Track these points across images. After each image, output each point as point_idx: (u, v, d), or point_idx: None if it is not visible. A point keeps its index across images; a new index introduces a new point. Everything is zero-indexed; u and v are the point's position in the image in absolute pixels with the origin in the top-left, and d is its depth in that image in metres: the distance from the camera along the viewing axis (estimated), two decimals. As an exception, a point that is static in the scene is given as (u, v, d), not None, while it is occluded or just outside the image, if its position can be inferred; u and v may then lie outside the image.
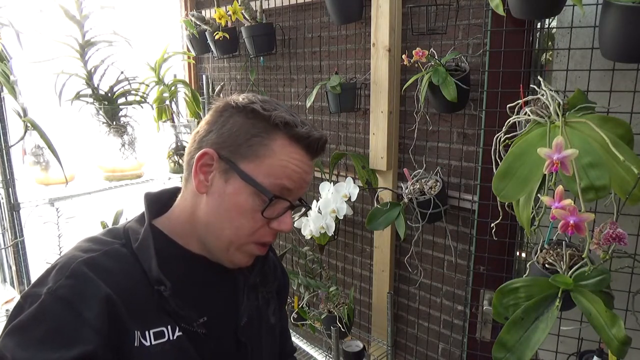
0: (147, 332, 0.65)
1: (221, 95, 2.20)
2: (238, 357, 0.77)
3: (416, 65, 1.38)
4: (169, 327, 0.68)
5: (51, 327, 0.59)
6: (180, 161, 2.14)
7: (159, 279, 0.67)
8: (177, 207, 0.76)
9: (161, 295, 0.67)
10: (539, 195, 0.92)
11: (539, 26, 1.29)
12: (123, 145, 1.93)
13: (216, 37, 1.94)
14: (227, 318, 0.76)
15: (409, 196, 1.48)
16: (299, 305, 1.83)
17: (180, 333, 0.68)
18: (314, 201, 1.73)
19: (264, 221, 0.71)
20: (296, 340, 2.03)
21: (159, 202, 0.77)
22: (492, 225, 1.15)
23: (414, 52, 1.34)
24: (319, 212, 1.68)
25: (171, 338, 0.67)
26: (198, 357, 0.70)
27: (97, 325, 0.60)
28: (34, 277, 1.68)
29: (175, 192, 0.80)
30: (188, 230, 0.73)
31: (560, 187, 0.80)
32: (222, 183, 0.70)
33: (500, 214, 1.16)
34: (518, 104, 1.10)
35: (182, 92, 2.23)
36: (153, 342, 0.66)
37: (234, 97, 0.73)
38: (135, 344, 0.64)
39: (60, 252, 1.77)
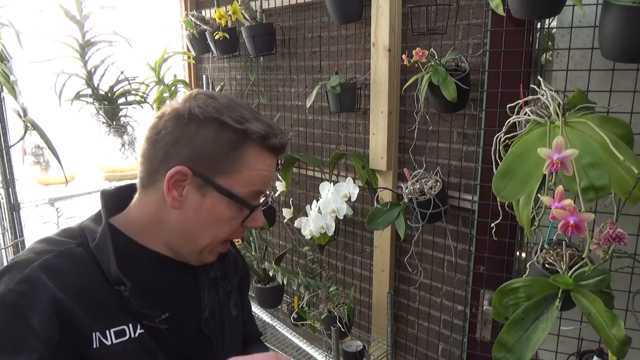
0: (107, 332, 0.65)
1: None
2: (201, 350, 0.78)
3: (416, 65, 1.38)
4: (130, 325, 0.68)
5: None
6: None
7: (118, 279, 0.67)
8: (135, 210, 0.75)
9: (121, 295, 0.67)
10: (539, 195, 0.92)
11: (539, 26, 1.29)
12: (123, 145, 1.93)
13: (216, 37, 1.94)
14: (189, 313, 0.77)
15: (409, 196, 1.48)
16: (299, 305, 1.83)
17: (142, 330, 0.69)
18: (314, 201, 1.73)
19: (239, 224, 0.73)
20: (296, 340, 2.03)
21: (116, 200, 0.77)
22: (492, 225, 1.15)
23: (414, 52, 1.34)
24: (319, 212, 1.68)
25: (133, 336, 0.68)
26: (160, 353, 0.70)
27: (44, 334, 0.59)
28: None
29: (131, 189, 0.78)
30: (149, 232, 0.73)
31: (560, 187, 0.80)
32: (199, 197, 0.70)
33: (500, 214, 1.16)
34: (518, 104, 1.10)
35: (182, 92, 2.24)
36: (114, 341, 0.66)
37: (190, 102, 0.70)
38: (95, 346, 0.64)
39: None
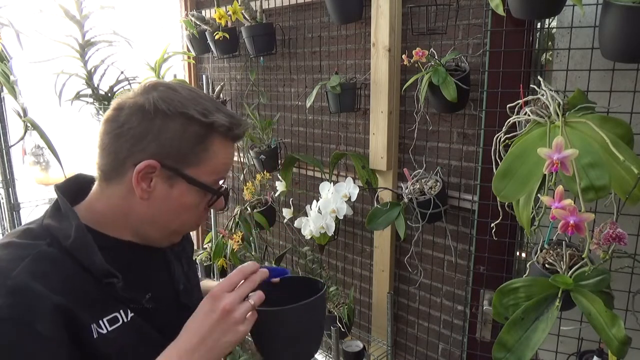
0: (101, 322, 0.68)
1: (221, 94, 2.19)
2: (183, 319, 0.81)
3: (416, 65, 1.38)
4: (121, 311, 0.71)
5: (7, 352, 0.58)
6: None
7: (108, 273, 0.68)
8: (98, 201, 0.75)
9: (107, 286, 0.69)
10: (539, 195, 0.92)
11: (539, 26, 1.29)
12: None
13: (216, 37, 1.94)
14: (167, 289, 0.82)
15: (409, 196, 1.48)
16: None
17: (132, 314, 0.72)
18: (314, 201, 1.73)
19: (204, 208, 0.78)
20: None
21: (71, 193, 0.77)
22: (492, 225, 1.15)
23: (414, 52, 1.34)
24: (319, 212, 1.68)
25: (125, 320, 0.71)
26: (153, 330, 0.74)
27: (54, 335, 0.61)
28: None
29: (79, 180, 0.79)
30: (116, 222, 0.74)
31: (560, 187, 0.80)
32: (167, 187, 0.72)
33: (500, 214, 1.16)
34: (518, 104, 1.10)
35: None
36: (109, 329, 0.68)
37: (151, 94, 0.70)
38: (95, 336, 0.66)
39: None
